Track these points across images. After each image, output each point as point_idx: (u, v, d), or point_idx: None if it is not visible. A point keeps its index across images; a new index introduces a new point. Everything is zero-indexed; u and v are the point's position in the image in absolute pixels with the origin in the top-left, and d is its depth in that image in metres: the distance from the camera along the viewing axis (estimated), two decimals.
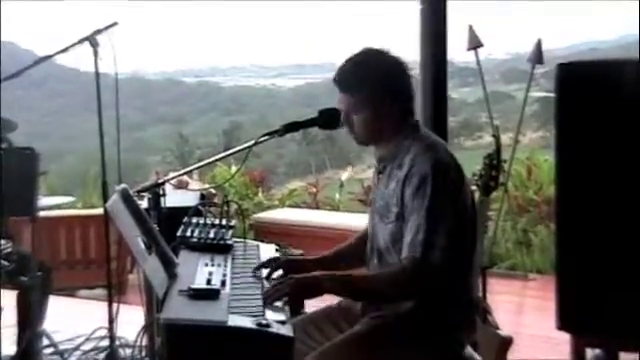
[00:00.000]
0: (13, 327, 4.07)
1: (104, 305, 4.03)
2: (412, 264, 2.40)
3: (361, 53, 2.64)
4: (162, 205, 2.91)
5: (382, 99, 2.56)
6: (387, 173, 2.60)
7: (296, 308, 2.50)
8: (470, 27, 6.23)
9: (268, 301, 2.33)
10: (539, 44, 6.25)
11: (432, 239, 2.39)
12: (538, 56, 6.26)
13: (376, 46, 2.64)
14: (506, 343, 2.66)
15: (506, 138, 7.12)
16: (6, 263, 3.88)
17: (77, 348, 4.40)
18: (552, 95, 3.37)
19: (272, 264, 2.66)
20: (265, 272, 2.61)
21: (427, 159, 2.46)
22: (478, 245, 2.62)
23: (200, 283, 2.33)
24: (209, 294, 2.25)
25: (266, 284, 2.51)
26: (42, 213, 4.19)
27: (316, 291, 2.45)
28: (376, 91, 2.56)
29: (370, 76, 2.58)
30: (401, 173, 2.50)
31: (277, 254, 2.90)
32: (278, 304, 2.33)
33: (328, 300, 2.64)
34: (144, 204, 2.84)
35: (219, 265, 2.57)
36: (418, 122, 2.65)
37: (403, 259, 2.44)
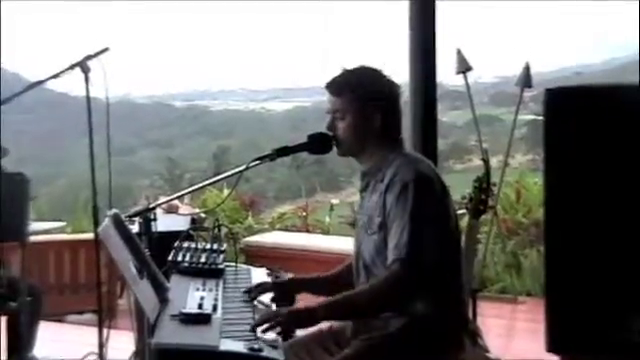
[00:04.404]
0: (2, 353, 4.04)
1: (94, 330, 3.99)
2: (399, 266, 2.41)
3: (359, 65, 2.67)
4: (153, 230, 2.91)
5: (365, 103, 2.59)
6: (370, 188, 2.63)
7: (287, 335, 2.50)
8: (459, 51, 6.26)
9: (258, 329, 2.32)
10: (527, 68, 6.29)
11: (417, 239, 2.41)
12: (526, 80, 6.29)
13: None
14: None
15: (495, 161, 7.15)
16: None
17: None
18: (541, 118, 3.39)
19: (259, 288, 2.67)
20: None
21: (410, 169, 2.50)
22: (466, 267, 2.63)
23: (192, 308, 2.34)
24: (201, 319, 2.26)
25: (259, 307, 2.52)
26: (31, 238, 4.17)
27: (310, 322, 2.48)
28: (360, 95, 2.59)
29: (356, 81, 2.62)
30: (383, 185, 2.53)
31: (268, 278, 2.90)
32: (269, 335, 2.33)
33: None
34: (135, 228, 2.84)
35: (210, 289, 2.58)
36: (403, 139, 2.67)
37: (390, 264, 2.44)
